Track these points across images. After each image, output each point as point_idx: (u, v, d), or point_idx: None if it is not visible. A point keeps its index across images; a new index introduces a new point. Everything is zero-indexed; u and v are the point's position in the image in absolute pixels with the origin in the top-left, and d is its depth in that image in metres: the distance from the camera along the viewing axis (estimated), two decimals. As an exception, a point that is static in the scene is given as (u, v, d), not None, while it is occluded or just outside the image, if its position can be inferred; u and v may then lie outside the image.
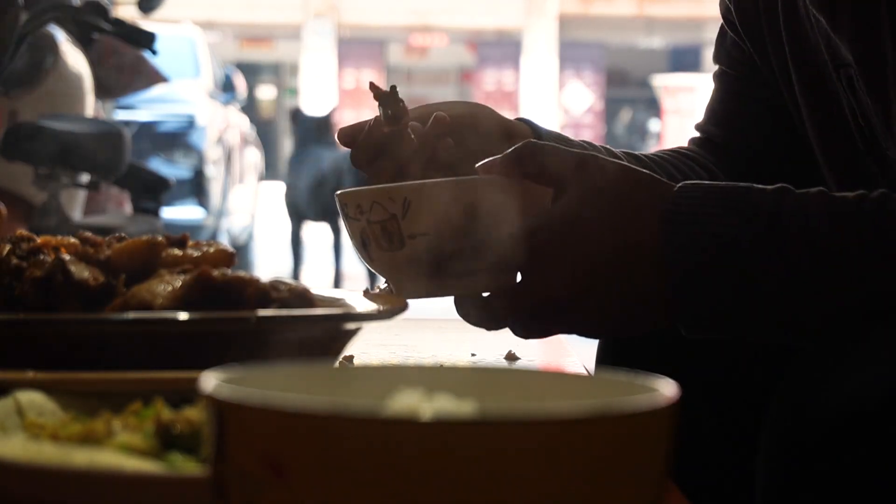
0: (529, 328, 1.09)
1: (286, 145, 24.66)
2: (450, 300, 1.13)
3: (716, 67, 1.46)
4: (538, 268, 1.05)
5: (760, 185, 1.04)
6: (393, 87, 1.19)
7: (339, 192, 1.13)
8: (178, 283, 1.00)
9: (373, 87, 1.20)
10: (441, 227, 1.08)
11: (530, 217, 1.06)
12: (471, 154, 1.20)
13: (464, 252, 1.08)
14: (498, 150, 1.10)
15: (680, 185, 1.06)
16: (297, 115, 9.59)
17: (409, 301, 1.11)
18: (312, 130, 9.29)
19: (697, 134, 1.48)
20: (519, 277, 1.09)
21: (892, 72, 1.13)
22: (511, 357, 1.43)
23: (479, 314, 1.11)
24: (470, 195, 1.08)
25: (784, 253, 1.00)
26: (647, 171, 1.08)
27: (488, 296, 1.11)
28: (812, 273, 0.99)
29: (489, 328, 1.12)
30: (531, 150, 1.07)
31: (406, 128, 1.20)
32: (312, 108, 11.08)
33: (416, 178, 1.19)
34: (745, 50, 1.38)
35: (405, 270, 1.10)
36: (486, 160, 1.09)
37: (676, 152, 1.44)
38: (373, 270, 1.15)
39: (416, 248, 1.08)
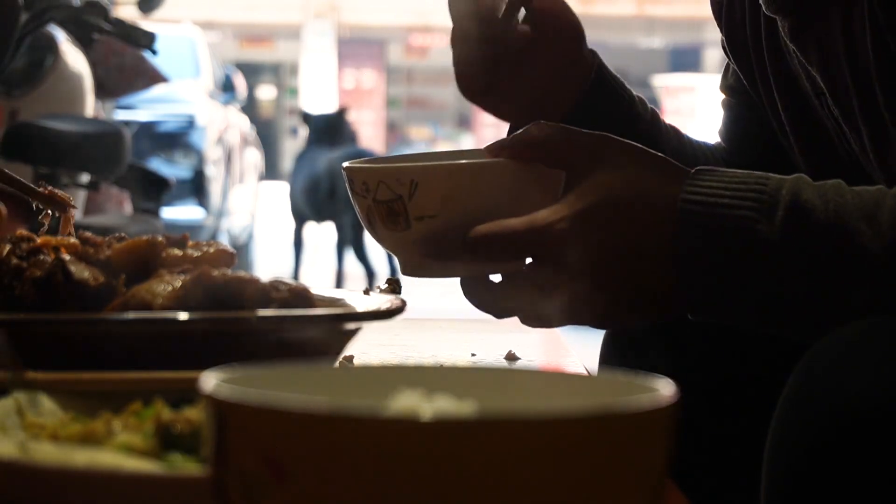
0: (537, 317, 1.08)
1: (286, 145, 24.66)
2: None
3: (722, 95, 1.47)
4: (550, 256, 1.04)
5: (778, 175, 1.03)
6: None
7: (346, 164, 1.11)
8: (178, 283, 1.00)
9: None
10: (448, 210, 1.05)
11: (543, 205, 1.05)
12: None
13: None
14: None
15: (695, 170, 1.04)
16: (307, 117, 9.58)
17: (409, 303, 1.10)
18: (323, 130, 9.26)
19: None
20: (528, 262, 1.08)
21: (857, 103, 1.13)
22: (511, 357, 1.43)
23: (486, 300, 1.09)
24: (478, 178, 1.06)
25: (801, 247, 0.99)
26: (661, 156, 1.07)
27: (497, 282, 1.09)
28: (830, 268, 0.98)
29: (495, 315, 1.10)
30: (541, 134, 1.05)
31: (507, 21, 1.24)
32: (322, 107, 11.05)
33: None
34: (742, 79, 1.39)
35: (411, 251, 1.08)
36: (494, 142, 1.07)
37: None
38: (380, 245, 1.13)
39: (421, 230, 1.06)
